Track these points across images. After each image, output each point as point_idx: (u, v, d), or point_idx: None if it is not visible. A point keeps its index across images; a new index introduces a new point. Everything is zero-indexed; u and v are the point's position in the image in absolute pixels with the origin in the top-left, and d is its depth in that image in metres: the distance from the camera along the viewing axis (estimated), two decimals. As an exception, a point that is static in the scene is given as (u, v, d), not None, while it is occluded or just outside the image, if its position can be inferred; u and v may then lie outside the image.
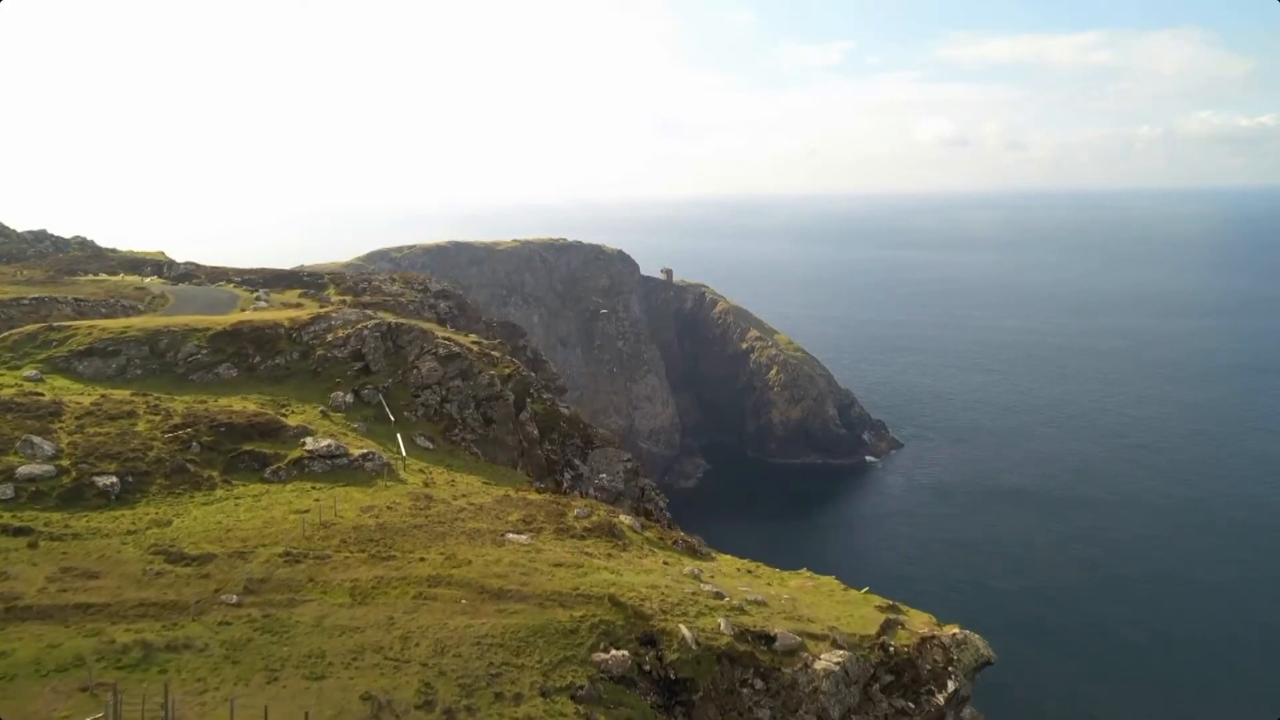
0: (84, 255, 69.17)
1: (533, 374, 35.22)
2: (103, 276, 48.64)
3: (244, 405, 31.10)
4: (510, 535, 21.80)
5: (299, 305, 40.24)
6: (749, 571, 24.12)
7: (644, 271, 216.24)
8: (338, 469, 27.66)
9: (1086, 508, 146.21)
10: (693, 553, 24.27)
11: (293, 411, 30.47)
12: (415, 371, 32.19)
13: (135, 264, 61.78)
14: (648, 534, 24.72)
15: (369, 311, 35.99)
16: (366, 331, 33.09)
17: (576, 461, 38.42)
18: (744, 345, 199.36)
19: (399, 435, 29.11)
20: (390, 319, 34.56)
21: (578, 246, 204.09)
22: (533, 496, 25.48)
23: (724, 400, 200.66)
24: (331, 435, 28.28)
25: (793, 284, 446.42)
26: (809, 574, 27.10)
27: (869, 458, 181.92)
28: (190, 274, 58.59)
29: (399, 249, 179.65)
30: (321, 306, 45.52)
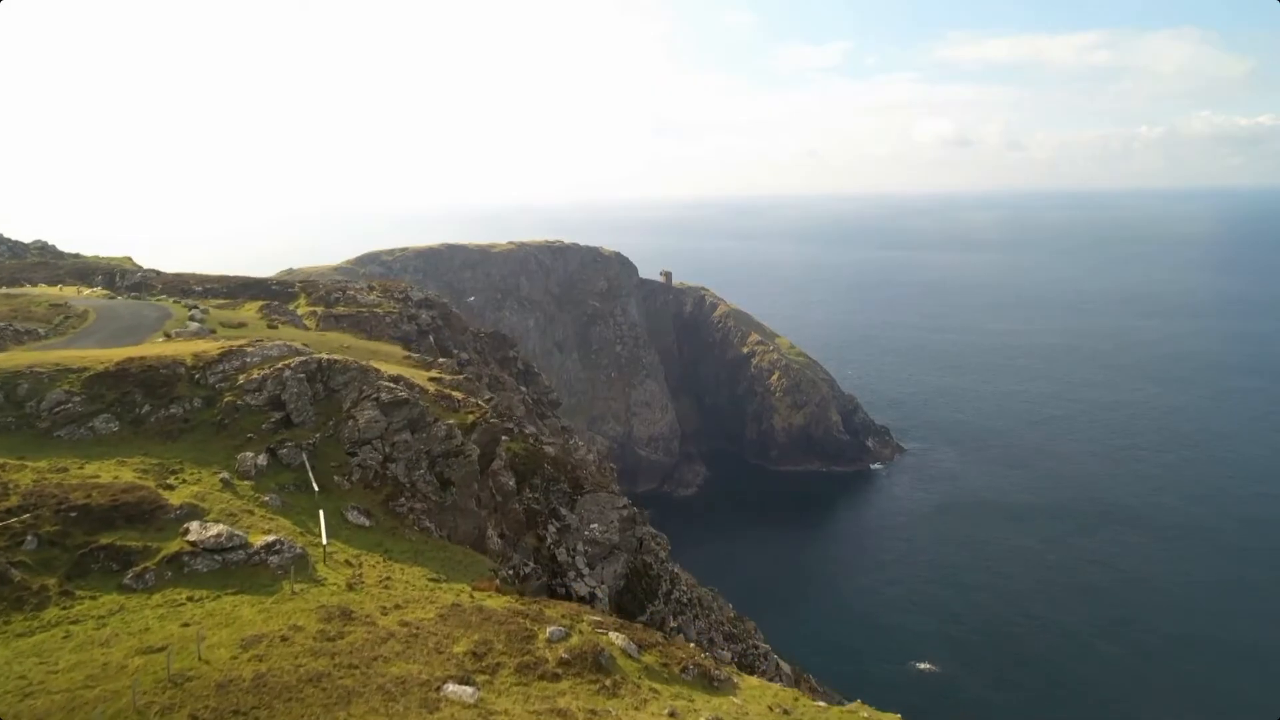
0: (33, 262, 63.15)
1: (501, 422, 27.42)
2: (26, 289, 42.68)
3: (117, 474, 23.91)
4: (451, 687, 14.95)
5: (240, 326, 33.76)
6: (785, 712, 16.87)
7: (643, 274, 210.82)
8: (230, 568, 20.63)
9: (1095, 517, 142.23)
10: (708, 683, 18.01)
11: (183, 480, 23.69)
12: (351, 423, 25.36)
13: (87, 272, 55.72)
14: (647, 658, 18.10)
15: (298, 345, 28.37)
16: (289, 372, 25.69)
17: (563, 511, 32.09)
18: (745, 350, 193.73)
19: (322, 512, 22.56)
20: (323, 354, 27.31)
21: (575, 249, 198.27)
22: (492, 604, 18.76)
23: (724, 406, 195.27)
24: (229, 516, 21.73)
25: (793, 285, 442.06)
26: (865, 711, 18.80)
27: (873, 465, 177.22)
28: (144, 283, 52.63)
29: (390, 251, 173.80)
30: (268, 321, 39.09)
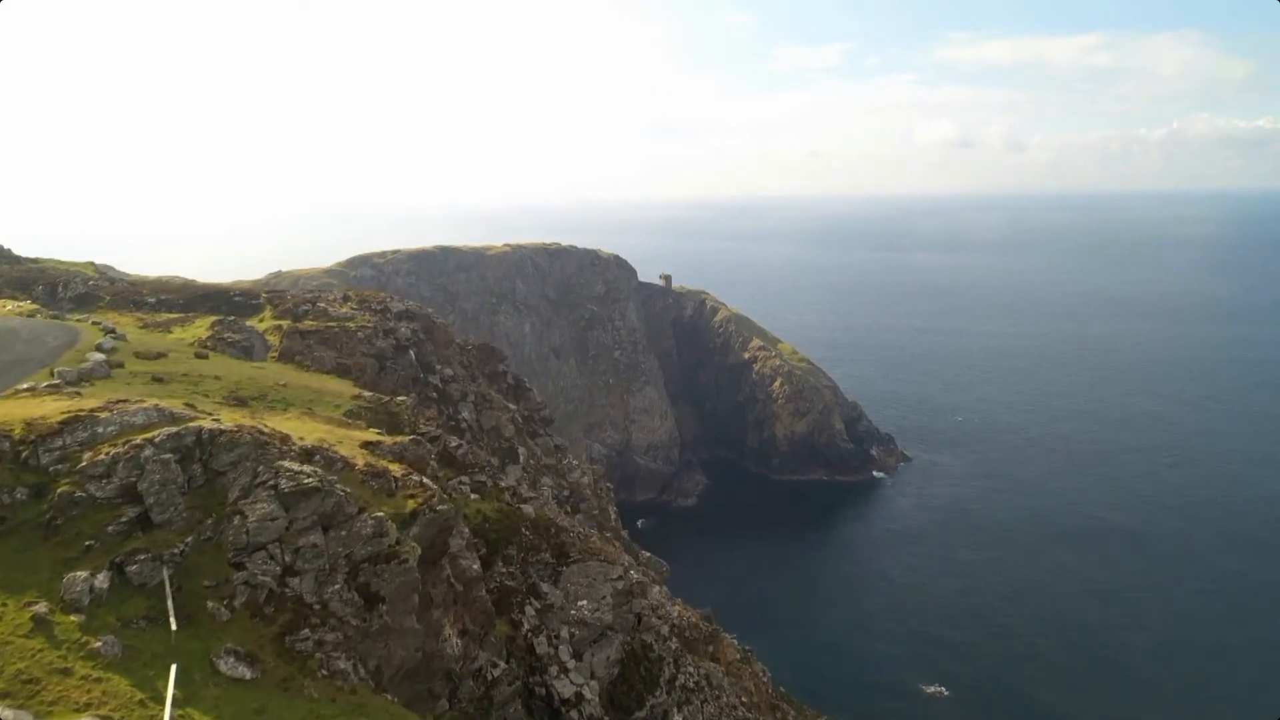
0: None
1: (453, 506, 20.30)
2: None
3: None
4: None
5: (159, 357, 28.51)
6: None
7: (642, 277, 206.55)
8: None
9: (1107, 528, 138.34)
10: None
11: (-21, 616, 15.39)
12: (238, 521, 18.32)
13: (29, 282, 51.16)
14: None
15: (172, 409, 21.21)
16: (151, 449, 18.64)
17: (544, 587, 26.68)
18: (746, 355, 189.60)
19: (175, 668, 15.36)
20: (206, 423, 20.61)
21: (572, 251, 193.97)
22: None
23: (725, 413, 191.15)
24: (27, 684, 14.07)
25: (795, 288, 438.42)
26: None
27: (877, 473, 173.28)
28: (90, 295, 48.20)
29: (382, 254, 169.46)
30: (201, 347, 34.11)
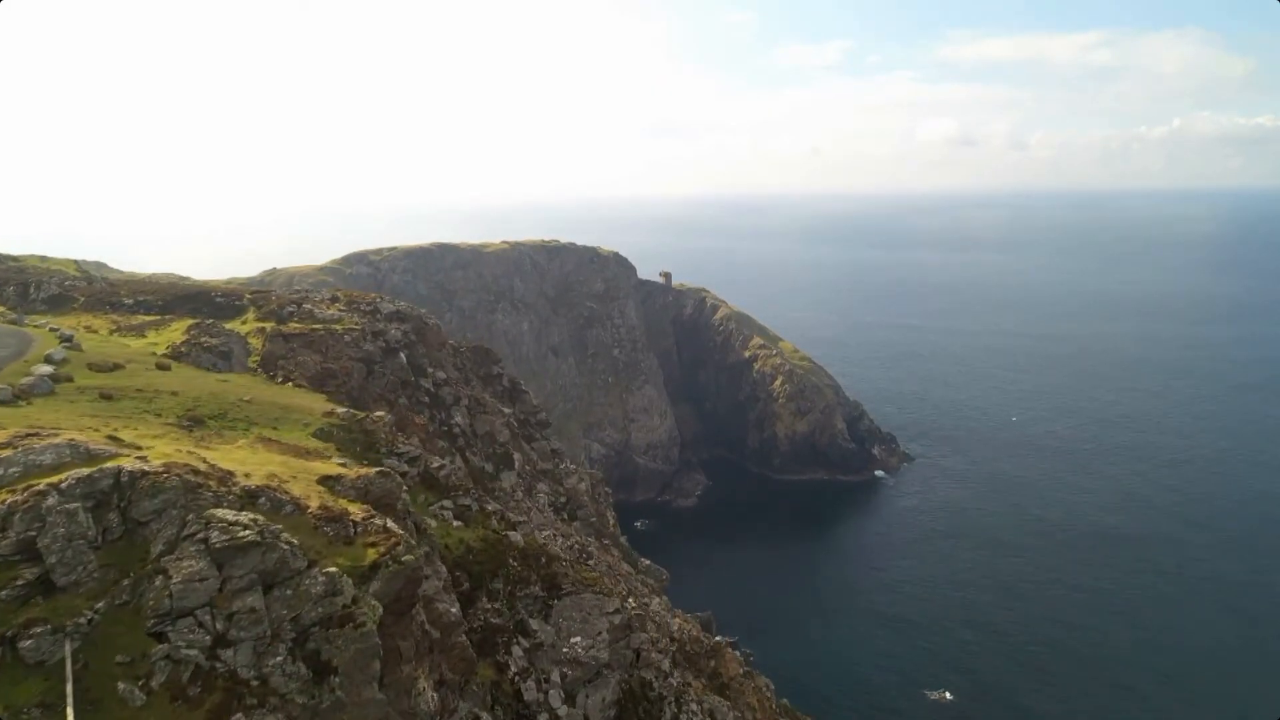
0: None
1: (417, 561, 16.36)
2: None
3: None
4: None
5: (114, 369, 26.29)
6: None
7: (641, 274, 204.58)
8: None
9: (1111, 529, 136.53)
10: None
11: None
12: (159, 583, 15.30)
13: (2, 282, 49.27)
14: None
15: (90, 444, 18.00)
16: (55, 497, 15.52)
17: (534, 624, 24.56)
18: (746, 354, 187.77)
19: None
20: (128, 462, 17.42)
21: (571, 249, 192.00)
22: None
23: (725, 412, 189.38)
24: None
25: (795, 286, 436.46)
26: None
27: (878, 473, 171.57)
28: (65, 295, 46.44)
29: (378, 251, 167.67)
30: (164, 357, 31.90)
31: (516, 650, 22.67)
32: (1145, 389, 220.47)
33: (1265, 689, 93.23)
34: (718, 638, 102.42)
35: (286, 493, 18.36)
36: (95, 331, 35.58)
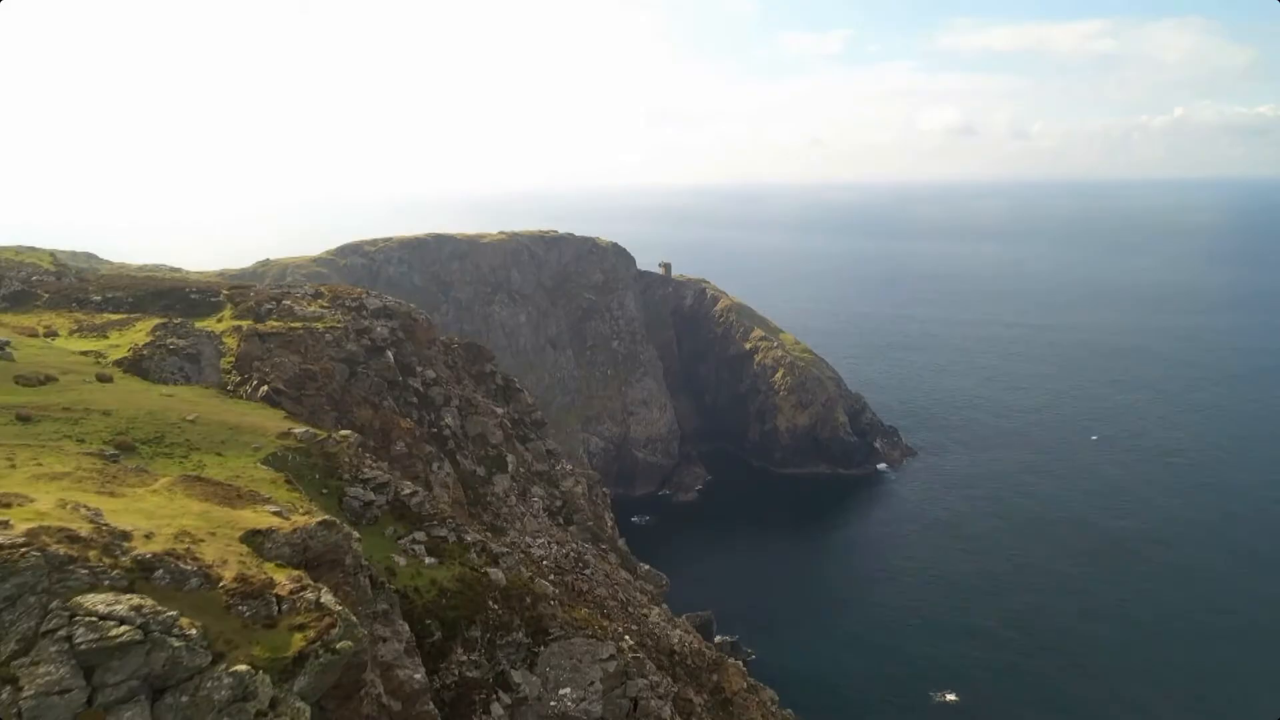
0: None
1: (349, 643, 14.10)
2: None
3: None
4: None
5: (45, 383, 22.86)
6: None
7: (641, 265, 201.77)
8: None
9: (1117, 526, 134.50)
10: None
11: None
12: (5, 696, 11.49)
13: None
14: None
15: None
16: None
17: (516, 676, 22.04)
18: (747, 346, 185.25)
19: None
20: None
21: (569, 239, 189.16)
22: None
23: (726, 405, 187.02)
24: None
25: (796, 276, 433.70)
26: None
27: (881, 466, 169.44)
28: (28, 292, 43.89)
29: (373, 242, 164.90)
30: (105, 369, 29.05)
31: (496, 708, 19.99)
32: (1146, 382, 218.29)
33: (1272, 690, 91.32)
34: (718, 638, 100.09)
35: (196, 559, 14.99)
36: (53, 333, 33.06)
